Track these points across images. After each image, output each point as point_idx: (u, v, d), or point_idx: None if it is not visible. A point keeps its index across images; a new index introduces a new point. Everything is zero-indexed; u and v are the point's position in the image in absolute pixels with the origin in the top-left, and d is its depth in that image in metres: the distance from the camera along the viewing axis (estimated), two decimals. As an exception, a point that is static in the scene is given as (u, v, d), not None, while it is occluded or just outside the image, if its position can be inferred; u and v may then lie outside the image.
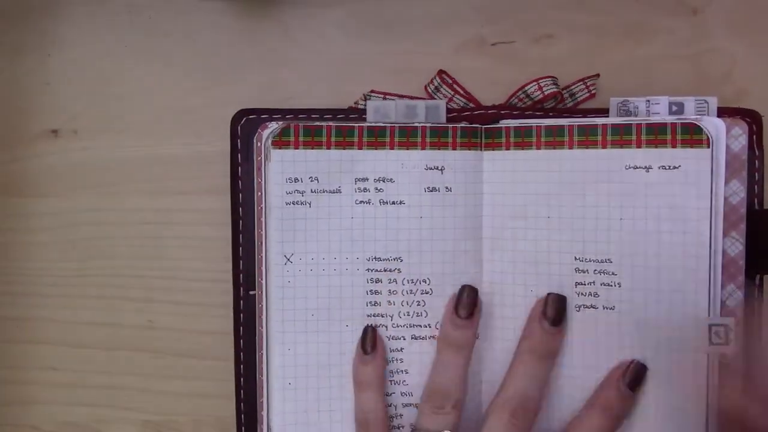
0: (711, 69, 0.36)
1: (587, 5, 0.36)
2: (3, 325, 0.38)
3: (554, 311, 0.33)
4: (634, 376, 0.32)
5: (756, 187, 0.33)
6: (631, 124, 0.33)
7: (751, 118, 0.33)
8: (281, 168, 0.35)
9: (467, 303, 0.33)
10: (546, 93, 0.35)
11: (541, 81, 0.35)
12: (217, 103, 0.37)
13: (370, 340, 0.34)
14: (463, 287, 0.34)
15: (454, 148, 0.35)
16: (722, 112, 0.34)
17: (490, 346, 0.35)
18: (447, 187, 0.35)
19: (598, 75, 0.36)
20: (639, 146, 0.33)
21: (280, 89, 0.37)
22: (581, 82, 0.36)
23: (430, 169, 0.35)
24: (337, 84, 0.37)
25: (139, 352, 0.38)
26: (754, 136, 0.33)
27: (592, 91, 0.36)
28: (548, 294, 0.33)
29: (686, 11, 0.36)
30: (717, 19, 0.36)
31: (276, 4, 0.37)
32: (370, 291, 0.35)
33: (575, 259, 0.34)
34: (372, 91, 0.36)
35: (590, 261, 0.34)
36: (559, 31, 0.36)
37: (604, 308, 0.34)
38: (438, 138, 0.35)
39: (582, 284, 0.34)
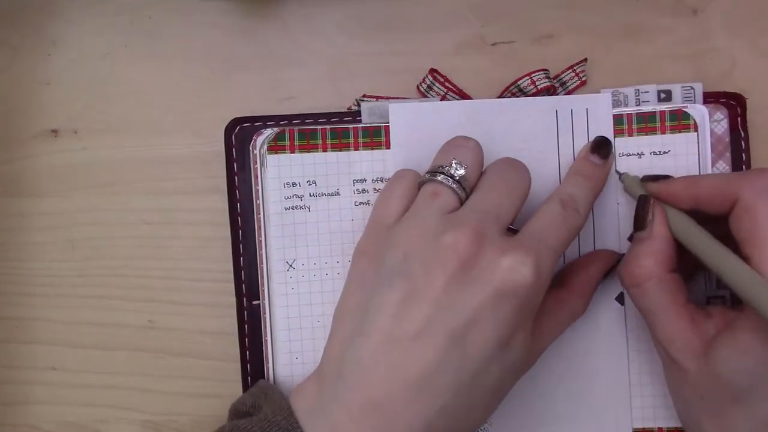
0: (711, 69, 0.36)
1: (587, 5, 0.36)
2: (2, 325, 0.38)
3: (599, 145, 0.33)
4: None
5: (743, 167, 0.35)
6: (623, 114, 0.34)
7: (736, 101, 0.34)
8: (278, 173, 0.35)
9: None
10: (539, 87, 0.35)
11: (533, 75, 0.35)
12: (217, 103, 0.37)
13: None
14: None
15: None
16: (708, 97, 0.35)
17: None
18: None
19: (585, 60, 0.36)
20: (631, 135, 0.34)
21: (280, 89, 0.37)
22: (570, 70, 0.36)
23: None
24: (337, 84, 0.37)
25: (139, 352, 0.38)
26: (739, 119, 0.34)
27: (582, 78, 0.36)
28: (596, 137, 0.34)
29: (686, 11, 0.36)
30: (717, 19, 0.36)
31: (276, 4, 0.37)
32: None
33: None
34: (364, 96, 0.36)
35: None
36: (559, 31, 0.36)
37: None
38: None
39: None
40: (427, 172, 0.30)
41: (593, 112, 0.34)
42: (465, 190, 0.29)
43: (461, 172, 0.29)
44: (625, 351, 0.34)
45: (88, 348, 0.38)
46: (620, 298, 0.35)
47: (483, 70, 0.37)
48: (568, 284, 0.33)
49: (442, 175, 0.29)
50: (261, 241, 0.35)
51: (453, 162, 0.30)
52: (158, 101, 0.38)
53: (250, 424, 0.27)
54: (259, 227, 0.35)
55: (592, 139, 0.34)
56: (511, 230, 0.30)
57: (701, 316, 0.29)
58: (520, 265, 0.26)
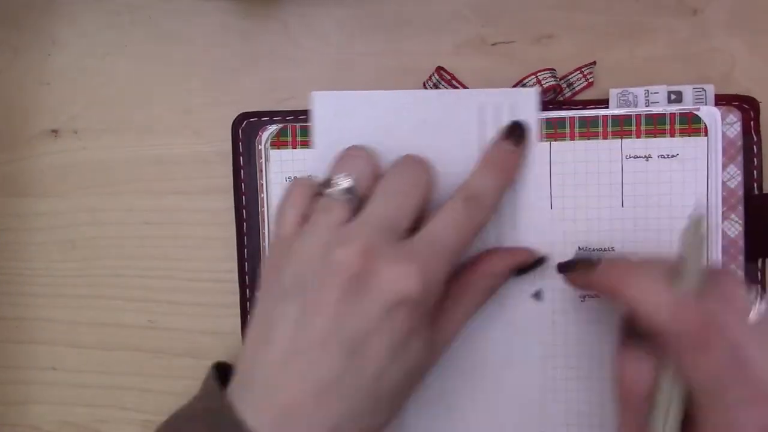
0: (711, 69, 0.36)
1: (587, 5, 0.36)
2: (2, 325, 0.38)
3: (512, 129, 0.33)
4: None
5: (755, 171, 0.34)
6: (631, 114, 0.34)
7: (748, 104, 0.34)
8: (280, 167, 0.35)
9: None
10: (545, 86, 0.35)
11: (539, 74, 0.35)
12: (217, 103, 0.37)
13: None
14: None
15: None
16: (720, 99, 0.34)
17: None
18: None
19: (594, 62, 0.36)
20: (639, 136, 0.34)
21: (280, 89, 0.37)
22: (578, 71, 0.36)
23: None
24: (337, 84, 0.37)
25: (139, 352, 0.38)
26: (752, 122, 0.34)
27: (590, 80, 0.36)
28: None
29: (686, 11, 0.36)
30: (717, 19, 0.36)
31: (276, 4, 0.37)
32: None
33: (579, 248, 0.34)
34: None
35: (594, 250, 0.34)
36: (559, 31, 0.36)
37: None
38: None
39: None
40: (319, 185, 0.30)
41: (518, 107, 0.34)
42: (356, 200, 0.30)
43: (347, 184, 0.30)
44: (537, 348, 0.34)
45: (88, 348, 0.38)
46: (538, 295, 0.34)
47: (483, 70, 0.37)
48: (478, 267, 0.33)
49: (331, 188, 0.30)
50: (264, 233, 0.35)
51: (341, 175, 0.30)
52: (158, 101, 0.38)
53: (182, 411, 0.29)
54: (263, 220, 0.35)
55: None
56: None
57: None
58: (406, 277, 0.27)
